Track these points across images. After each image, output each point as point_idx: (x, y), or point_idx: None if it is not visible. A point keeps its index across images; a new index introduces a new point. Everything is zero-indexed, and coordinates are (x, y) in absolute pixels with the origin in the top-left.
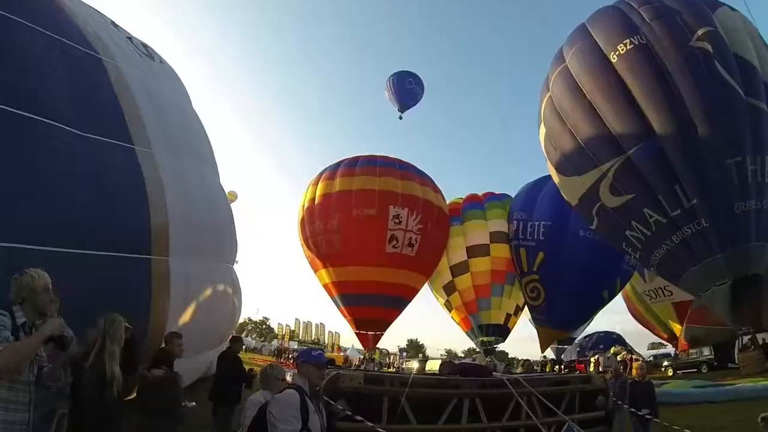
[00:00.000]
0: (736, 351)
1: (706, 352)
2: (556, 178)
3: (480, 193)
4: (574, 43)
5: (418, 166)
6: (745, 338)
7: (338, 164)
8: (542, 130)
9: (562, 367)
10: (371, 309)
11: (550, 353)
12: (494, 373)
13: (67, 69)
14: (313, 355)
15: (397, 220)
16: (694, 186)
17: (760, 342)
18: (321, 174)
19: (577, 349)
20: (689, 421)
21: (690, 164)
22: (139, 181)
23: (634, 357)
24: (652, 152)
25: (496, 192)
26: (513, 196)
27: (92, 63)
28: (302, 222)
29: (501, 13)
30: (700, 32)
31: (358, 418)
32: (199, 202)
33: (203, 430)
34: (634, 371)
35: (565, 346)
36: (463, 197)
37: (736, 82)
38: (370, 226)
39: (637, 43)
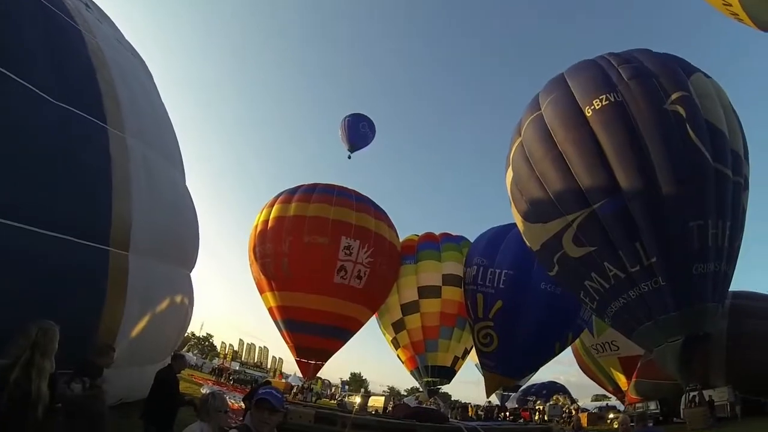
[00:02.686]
0: (682, 406)
1: (653, 406)
2: (519, 223)
3: (437, 233)
4: (551, 92)
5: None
6: (692, 394)
7: (296, 189)
8: (510, 174)
9: (507, 414)
10: (314, 338)
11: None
12: (451, 420)
13: (46, 31)
14: (258, 392)
15: (347, 251)
16: (654, 245)
17: (707, 398)
18: (278, 196)
19: (520, 395)
20: None
21: (653, 223)
22: (106, 164)
23: (579, 407)
24: (617, 208)
25: (453, 233)
26: (468, 238)
27: (72, 32)
28: (253, 242)
29: (462, 55)
30: (674, 96)
31: None
32: (166, 200)
33: None
34: (583, 421)
35: (510, 393)
36: (419, 235)
37: (705, 147)
38: (320, 254)
39: (613, 99)
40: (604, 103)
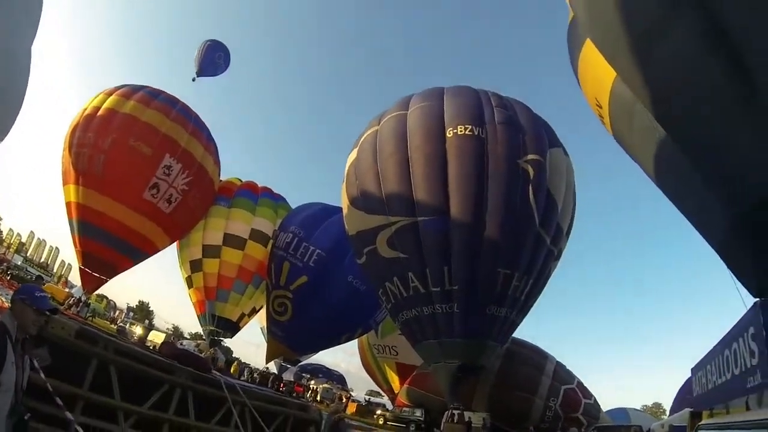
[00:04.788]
0: (443, 420)
1: (418, 413)
2: (344, 205)
3: (259, 185)
4: (425, 99)
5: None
6: (455, 412)
7: (141, 87)
8: (354, 154)
9: (281, 384)
10: (105, 248)
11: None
12: (214, 371)
13: None
14: (35, 296)
15: (166, 171)
16: (461, 275)
17: (466, 419)
18: (119, 87)
19: (298, 370)
20: None
21: (467, 256)
22: None
23: (351, 395)
24: (439, 229)
25: (275, 191)
26: (287, 202)
27: None
28: (76, 124)
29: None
30: (530, 156)
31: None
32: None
33: None
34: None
35: (289, 366)
36: (242, 181)
37: (537, 210)
38: (139, 163)
39: (476, 133)
40: (467, 132)
